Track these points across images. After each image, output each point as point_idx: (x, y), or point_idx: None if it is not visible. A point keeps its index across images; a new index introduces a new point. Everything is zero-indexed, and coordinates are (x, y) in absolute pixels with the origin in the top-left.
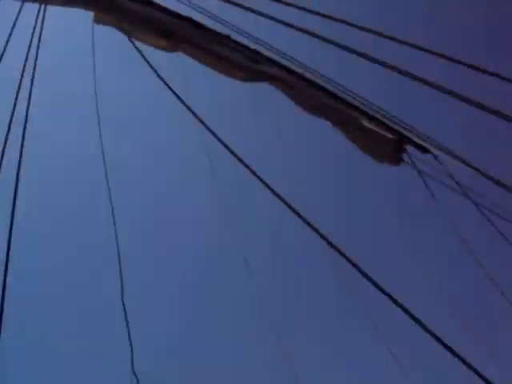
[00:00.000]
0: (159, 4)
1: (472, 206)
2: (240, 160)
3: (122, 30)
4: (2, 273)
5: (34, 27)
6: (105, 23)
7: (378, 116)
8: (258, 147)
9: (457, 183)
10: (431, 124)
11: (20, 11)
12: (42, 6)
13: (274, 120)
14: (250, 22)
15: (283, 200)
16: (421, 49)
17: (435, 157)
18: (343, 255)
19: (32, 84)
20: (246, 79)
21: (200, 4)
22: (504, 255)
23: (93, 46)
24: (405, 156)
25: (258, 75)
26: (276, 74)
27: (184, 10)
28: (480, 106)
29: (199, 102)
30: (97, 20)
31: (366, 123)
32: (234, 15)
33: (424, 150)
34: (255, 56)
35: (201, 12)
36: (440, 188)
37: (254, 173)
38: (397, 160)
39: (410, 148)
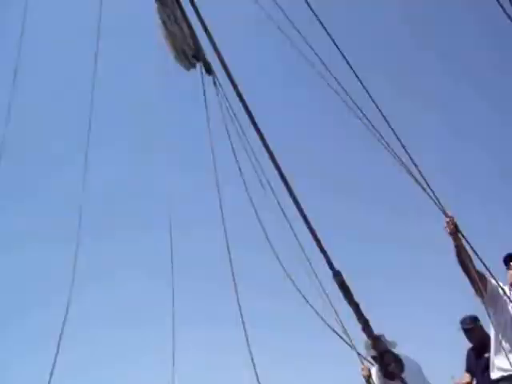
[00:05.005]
0: None
1: None
2: None
3: None
4: None
5: None
6: None
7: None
8: None
9: None
10: None
11: None
12: None
13: None
14: None
15: None
16: None
17: (215, 82)
18: None
19: None
20: None
21: None
22: None
23: None
24: (197, 66)
25: None
26: None
27: None
28: None
29: None
30: None
31: (180, 16)
32: None
33: (209, 71)
34: None
35: None
36: None
37: None
38: (189, 65)
39: None
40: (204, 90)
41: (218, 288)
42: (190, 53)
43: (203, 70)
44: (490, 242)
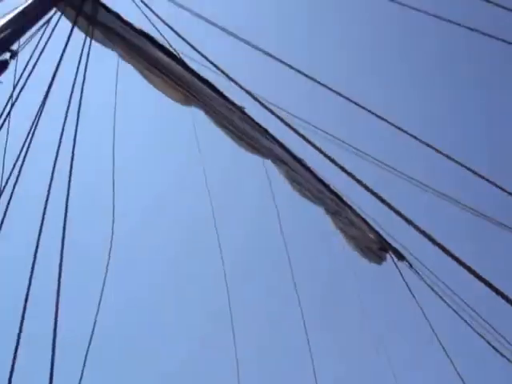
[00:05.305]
0: (181, 59)
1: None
2: None
3: (142, 74)
4: None
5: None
6: (129, 62)
7: (364, 216)
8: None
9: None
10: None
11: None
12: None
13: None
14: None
15: None
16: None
17: (410, 265)
18: None
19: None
20: (252, 151)
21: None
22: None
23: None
24: (387, 256)
25: (263, 150)
26: (279, 154)
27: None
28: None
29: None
30: (122, 57)
31: (354, 218)
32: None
33: (400, 257)
34: (263, 133)
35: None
36: (419, 291)
37: None
38: (379, 259)
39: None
40: (405, 281)
41: None
42: (375, 247)
43: (395, 259)
44: None
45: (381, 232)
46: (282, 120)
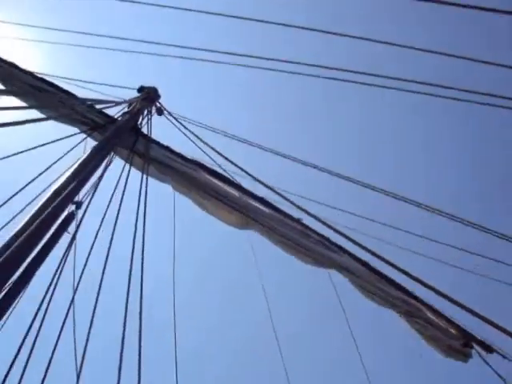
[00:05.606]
0: (235, 182)
1: None
2: None
3: (196, 202)
4: None
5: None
6: (182, 192)
7: (441, 311)
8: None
9: None
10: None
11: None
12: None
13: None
14: (322, 207)
15: None
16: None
17: (503, 356)
18: None
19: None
20: (314, 264)
21: (274, 185)
22: None
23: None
24: (473, 352)
25: (325, 261)
26: (343, 262)
27: (258, 190)
28: None
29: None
30: (176, 188)
31: (431, 316)
32: (305, 201)
33: (489, 349)
34: (324, 242)
35: (273, 192)
36: None
37: None
38: (464, 355)
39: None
40: (501, 377)
41: None
42: (458, 344)
43: (483, 353)
44: None
45: (462, 326)
46: (339, 232)
